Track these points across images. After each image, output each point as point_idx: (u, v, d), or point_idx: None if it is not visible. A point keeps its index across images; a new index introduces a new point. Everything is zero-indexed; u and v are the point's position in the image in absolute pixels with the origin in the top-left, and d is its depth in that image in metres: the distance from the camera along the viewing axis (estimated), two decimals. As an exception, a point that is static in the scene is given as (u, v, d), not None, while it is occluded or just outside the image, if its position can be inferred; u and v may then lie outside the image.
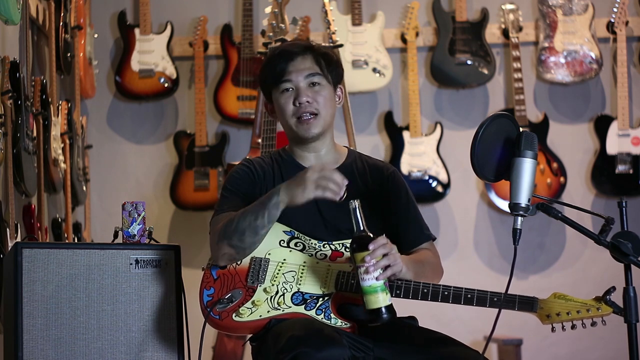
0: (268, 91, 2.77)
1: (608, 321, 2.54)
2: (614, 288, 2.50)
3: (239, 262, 2.66)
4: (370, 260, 2.43)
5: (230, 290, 2.63)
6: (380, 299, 2.43)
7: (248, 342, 2.69)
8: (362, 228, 2.46)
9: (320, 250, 2.66)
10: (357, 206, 2.47)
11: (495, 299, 2.54)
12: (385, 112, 5.47)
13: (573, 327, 2.54)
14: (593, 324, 2.53)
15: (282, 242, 2.67)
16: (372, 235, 2.46)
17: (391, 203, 2.75)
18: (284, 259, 2.66)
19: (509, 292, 2.50)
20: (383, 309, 2.43)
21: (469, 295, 2.55)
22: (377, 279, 2.43)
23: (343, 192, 2.49)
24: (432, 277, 2.69)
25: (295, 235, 2.68)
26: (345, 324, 2.59)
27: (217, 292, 2.65)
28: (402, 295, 2.57)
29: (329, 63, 2.74)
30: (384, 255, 2.45)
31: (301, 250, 2.66)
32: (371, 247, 2.44)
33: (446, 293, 2.56)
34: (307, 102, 2.68)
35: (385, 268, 2.45)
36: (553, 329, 2.55)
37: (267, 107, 2.82)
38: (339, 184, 2.49)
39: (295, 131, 2.71)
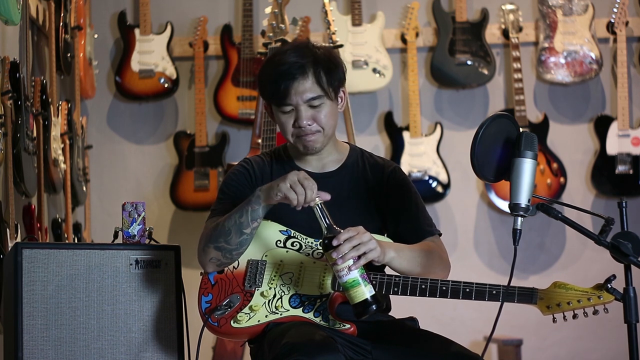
0: (267, 101, 2.71)
1: (608, 321, 2.53)
2: (614, 276, 2.48)
3: (235, 266, 2.64)
4: (338, 256, 2.41)
5: (228, 296, 2.62)
6: (362, 291, 2.41)
7: (247, 342, 2.69)
8: (327, 226, 2.44)
9: (317, 249, 2.63)
10: (318, 204, 2.45)
11: (494, 292, 2.53)
12: (385, 113, 5.47)
13: (575, 316, 2.52)
14: (595, 312, 2.51)
15: (279, 242, 2.66)
16: (339, 230, 2.44)
17: (391, 202, 2.72)
18: (281, 261, 2.64)
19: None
20: (368, 299, 2.41)
21: (467, 289, 2.54)
22: (350, 269, 2.41)
23: (303, 204, 2.46)
24: (433, 265, 2.64)
25: (292, 235, 2.66)
26: (344, 326, 2.56)
27: (215, 298, 2.63)
28: (400, 292, 2.55)
29: (330, 75, 2.63)
30: (354, 247, 2.42)
31: (298, 250, 2.64)
32: (335, 243, 2.42)
33: (444, 288, 2.54)
34: (308, 124, 2.62)
35: (359, 258, 2.43)
36: (554, 320, 2.54)
37: (267, 108, 2.75)
38: (309, 194, 2.45)
39: (296, 147, 2.68)
